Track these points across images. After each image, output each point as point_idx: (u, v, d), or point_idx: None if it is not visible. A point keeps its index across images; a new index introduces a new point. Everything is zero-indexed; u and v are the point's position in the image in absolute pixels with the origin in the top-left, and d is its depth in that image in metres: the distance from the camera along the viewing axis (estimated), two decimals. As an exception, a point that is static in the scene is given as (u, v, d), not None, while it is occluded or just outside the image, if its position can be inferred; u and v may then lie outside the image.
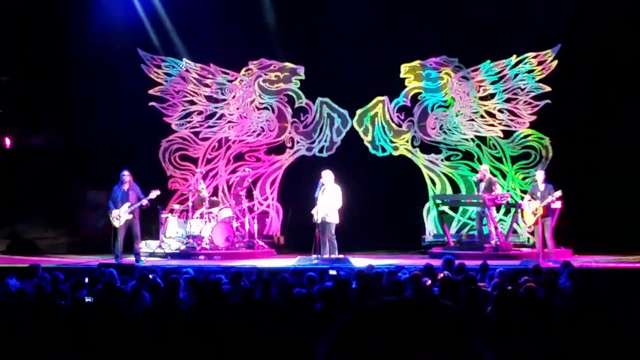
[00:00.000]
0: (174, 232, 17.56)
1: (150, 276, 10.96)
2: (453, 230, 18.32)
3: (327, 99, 19.34)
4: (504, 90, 18.59)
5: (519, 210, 16.30)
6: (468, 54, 18.61)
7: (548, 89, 18.17)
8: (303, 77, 19.33)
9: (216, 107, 19.49)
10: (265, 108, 19.49)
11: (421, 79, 19.01)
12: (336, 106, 19.32)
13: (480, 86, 18.71)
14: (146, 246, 17.07)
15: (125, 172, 15.86)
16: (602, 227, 16.75)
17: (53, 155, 18.83)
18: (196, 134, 19.50)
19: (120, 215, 15.69)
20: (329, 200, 15.28)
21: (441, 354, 1.30)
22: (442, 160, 18.93)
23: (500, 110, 18.61)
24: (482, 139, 18.72)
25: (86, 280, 10.62)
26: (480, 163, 18.22)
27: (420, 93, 19.03)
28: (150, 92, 19.23)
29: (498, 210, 17.40)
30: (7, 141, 19.06)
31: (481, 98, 18.73)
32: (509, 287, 9.29)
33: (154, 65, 19.31)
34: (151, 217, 17.34)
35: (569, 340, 6.73)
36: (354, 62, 18.50)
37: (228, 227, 17.27)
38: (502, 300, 7.79)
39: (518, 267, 12.73)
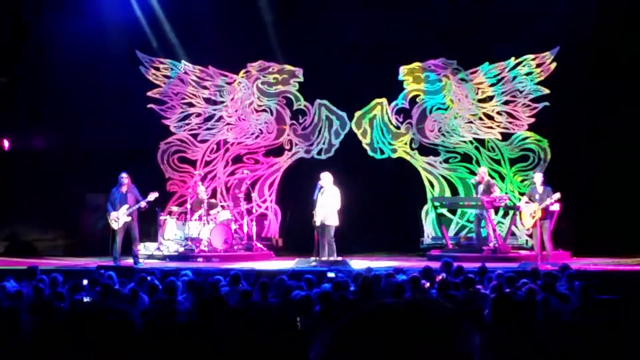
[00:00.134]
0: (173, 234, 17.55)
1: (149, 278, 10.96)
2: (451, 232, 18.31)
3: (325, 101, 19.35)
4: (502, 93, 18.60)
5: (518, 213, 16.30)
6: (467, 56, 18.62)
7: (547, 91, 18.17)
8: (302, 80, 19.34)
9: (215, 110, 19.50)
10: (264, 110, 19.49)
11: (420, 81, 19.01)
12: (335, 108, 19.33)
13: (479, 88, 18.72)
14: (144, 248, 17.07)
15: (124, 175, 15.84)
16: (600, 230, 16.74)
17: (51, 158, 18.82)
18: (195, 136, 19.50)
19: (119, 218, 15.67)
20: (328, 203, 15.27)
21: (437, 356, 1.29)
22: (440, 162, 18.93)
23: (498, 113, 18.61)
24: (481, 142, 18.73)
25: (84, 282, 10.62)
26: (479, 165, 18.22)
27: (418, 95, 19.03)
28: (149, 94, 19.24)
29: (496, 213, 17.39)
30: (6, 143, 19.06)
31: (480, 100, 18.73)
32: (507, 290, 9.28)
33: (153, 67, 19.31)
34: (150, 220, 17.33)
35: (568, 343, 6.72)
36: (353, 64, 18.50)
37: (226, 229, 17.26)
38: (500, 303, 7.78)
39: (516, 270, 12.71)
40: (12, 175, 18.98)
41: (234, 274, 10.94)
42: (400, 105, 19.08)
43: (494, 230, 16.52)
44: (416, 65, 18.99)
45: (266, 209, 19.44)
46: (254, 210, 18.88)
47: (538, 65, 18.32)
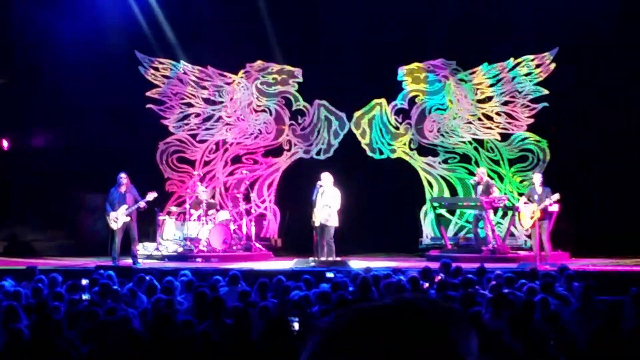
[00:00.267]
0: (172, 234, 17.55)
1: (147, 278, 10.96)
2: (450, 233, 18.31)
3: (324, 102, 19.34)
4: (501, 93, 18.59)
5: (517, 213, 16.30)
6: (466, 57, 18.62)
7: (546, 91, 18.17)
8: (301, 80, 19.34)
9: (214, 110, 19.49)
10: (263, 110, 19.48)
11: (419, 82, 19.01)
12: (334, 109, 19.32)
13: (478, 89, 18.72)
14: (143, 248, 17.06)
15: (123, 175, 15.83)
16: (599, 230, 16.76)
17: (50, 158, 18.80)
18: (193, 136, 19.50)
19: (118, 218, 15.67)
20: (328, 203, 15.27)
21: (430, 356, 1.29)
22: (439, 163, 18.92)
23: (498, 113, 18.61)
24: (480, 142, 18.72)
25: (83, 282, 10.61)
26: (478, 166, 18.22)
27: (417, 95, 19.03)
28: (148, 94, 19.23)
29: (495, 213, 17.39)
30: (5, 143, 19.05)
31: (479, 101, 18.73)
32: (506, 290, 9.28)
33: (152, 68, 19.31)
34: (149, 220, 17.32)
35: (567, 343, 6.72)
36: (352, 64, 18.49)
37: (225, 229, 17.25)
38: (498, 303, 7.78)
39: (515, 270, 12.70)
40: (11, 175, 18.98)
41: (233, 274, 10.94)
42: (400, 106, 19.08)
43: (493, 231, 16.52)
44: (415, 65, 18.99)
45: (265, 209, 19.43)
46: (252, 211, 18.86)
47: (537, 66, 18.32)
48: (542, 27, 17.78)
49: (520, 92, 18.46)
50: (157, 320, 7.18)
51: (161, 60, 19.30)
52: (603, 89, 17.24)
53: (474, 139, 18.73)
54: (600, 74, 17.22)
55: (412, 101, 19.04)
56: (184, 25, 19.02)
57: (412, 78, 19.03)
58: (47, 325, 6.91)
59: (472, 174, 18.03)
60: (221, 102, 19.47)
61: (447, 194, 18.79)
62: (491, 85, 18.63)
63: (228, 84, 19.46)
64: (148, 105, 19.20)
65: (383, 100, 19.14)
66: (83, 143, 18.77)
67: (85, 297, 9.64)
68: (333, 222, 15.38)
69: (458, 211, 18.51)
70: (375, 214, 18.34)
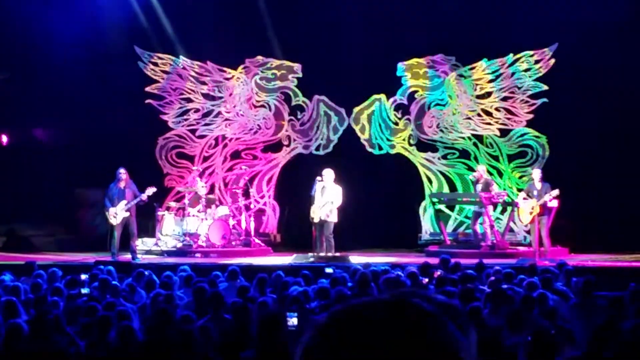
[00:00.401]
0: (171, 229, 17.55)
1: (146, 273, 10.97)
2: (450, 228, 18.31)
3: (324, 97, 19.33)
4: (501, 89, 18.59)
5: (516, 209, 16.30)
6: (465, 53, 18.61)
7: (545, 87, 18.17)
8: (300, 75, 19.32)
9: (213, 105, 19.48)
10: (262, 106, 19.47)
11: (418, 77, 19.00)
12: (333, 104, 19.31)
13: (477, 84, 18.71)
14: (142, 244, 17.07)
15: (122, 170, 15.85)
16: (598, 226, 16.77)
17: (49, 153, 18.80)
18: (193, 131, 19.49)
19: (117, 213, 15.68)
20: (331, 200, 15.27)
21: (424, 353, 1.28)
22: (438, 158, 18.92)
23: (497, 109, 18.61)
24: (479, 138, 18.72)
25: (83, 277, 10.62)
26: (477, 162, 18.22)
27: (417, 91, 19.02)
28: (147, 89, 19.21)
29: (495, 209, 17.39)
30: (4, 138, 19.04)
31: (478, 96, 18.73)
32: (505, 286, 9.29)
33: (151, 63, 19.29)
34: (148, 215, 17.32)
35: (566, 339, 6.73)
36: (351, 60, 18.47)
37: (224, 225, 17.25)
38: (496, 299, 7.79)
39: (514, 266, 12.71)
40: (10, 170, 18.96)
41: (232, 270, 10.95)
42: (399, 101, 19.07)
43: (492, 227, 16.52)
44: (415, 61, 18.98)
45: (264, 204, 19.43)
46: (252, 206, 18.86)
47: (537, 62, 18.32)
48: (542, 22, 17.76)
49: (519, 88, 18.46)
50: (157, 315, 7.19)
51: (160, 55, 19.28)
52: (602, 84, 17.22)
53: (473, 135, 18.73)
54: (599, 69, 17.20)
55: (411, 97, 19.04)
56: (183, 20, 18.99)
57: (411, 73, 19.02)
58: (46, 321, 6.91)
59: (471, 169, 18.03)
60: (220, 98, 19.46)
61: (446, 189, 18.79)
62: (491, 81, 18.63)
63: (227, 79, 19.45)
64: (147, 101, 19.19)
65: (382, 96, 19.13)
66: (82, 138, 18.75)
67: (84, 291, 9.65)
68: (333, 218, 15.41)
69: (457, 207, 18.51)
70: (374, 209, 18.34)
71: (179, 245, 17.20)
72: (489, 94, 18.67)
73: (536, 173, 15.95)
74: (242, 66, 19.43)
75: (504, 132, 18.58)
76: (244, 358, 6.20)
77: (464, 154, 18.78)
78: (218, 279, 10.76)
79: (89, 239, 18.11)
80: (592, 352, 5.79)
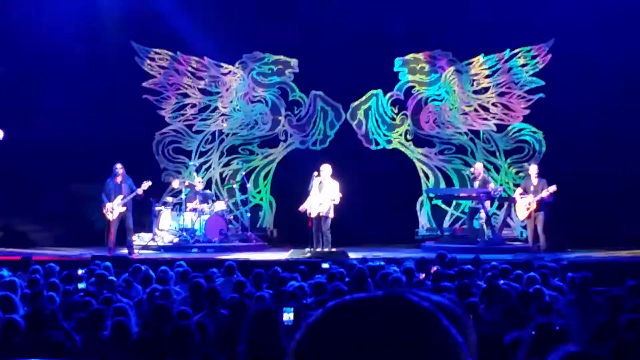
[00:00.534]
0: (167, 225, 17.53)
1: (143, 268, 10.96)
2: (446, 224, 18.33)
3: (320, 92, 19.32)
4: (498, 84, 18.60)
5: (512, 204, 16.31)
6: (462, 48, 18.61)
7: (542, 82, 18.18)
8: (297, 71, 19.31)
9: (210, 100, 19.46)
10: (259, 101, 19.46)
11: (415, 73, 19.00)
12: (330, 99, 19.31)
13: (474, 80, 18.72)
14: (139, 239, 17.05)
15: (118, 165, 15.83)
16: (595, 222, 16.78)
17: (46, 148, 18.75)
18: (190, 126, 19.47)
19: (114, 208, 15.67)
20: (331, 195, 15.26)
21: (418, 352, 1.27)
22: (435, 154, 18.93)
23: (494, 104, 18.62)
24: (476, 133, 18.73)
25: (79, 272, 10.61)
26: (474, 157, 18.23)
27: (414, 86, 19.02)
28: (144, 84, 19.19)
29: (492, 204, 17.40)
30: (0, 133, 18.99)
31: (475, 92, 18.73)
32: (501, 282, 9.30)
33: (148, 58, 19.26)
34: (144, 210, 17.30)
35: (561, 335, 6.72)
36: (348, 55, 18.47)
37: (221, 220, 17.25)
38: (492, 295, 7.79)
39: (510, 261, 12.73)
40: (6, 165, 18.91)
41: (229, 265, 10.94)
42: (396, 97, 19.07)
43: (489, 222, 16.52)
44: (412, 56, 18.98)
45: (261, 199, 19.42)
46: (248, 201, 18.85)
47: (534, 57, 18.32)
48: (538, 18, 17.76)
49: (516, 83, 18.47)
50: (155, 311, 7.18)
51: (157, 50, 19.26)
52: (599, 80, 17.23)
53: (470, 130, 18.73)
54: (596, 65, 17.21)
55: (408, 92, 19.03)
56: (180, 15, 18.94)
57: (408, 69, 19.02)
58: (42, 316, 6.90)
59: (468, 165, 18.05)
60: (217, 93, 19.44)
61: (443, 184, 18.80)
62: (488, 76, 18.63)
63: (224, 74, 19.43)
64: (144, 96, 19.16)
65: (379, 91, 19.13)
66: (79, 133, 18.70)
67: (81, 285, 9.64)
68: (331, 213, 15.40)
69: (454, 202, 18.52)
70: (371, 204, 18.33)
71: (176, 240, 17.19)
72: (486, 90, 18.68)
73: (533, 169, 15.95)
74: (238, 61, 19.41)
75: (501, 128, 18.59)
76: (240, 353, 6.21)
77: (461, 149, 18.80)
78: (215, 275, 10.75)
79: (85, 234, 18.08)
80: (590, 349, 5.79)
